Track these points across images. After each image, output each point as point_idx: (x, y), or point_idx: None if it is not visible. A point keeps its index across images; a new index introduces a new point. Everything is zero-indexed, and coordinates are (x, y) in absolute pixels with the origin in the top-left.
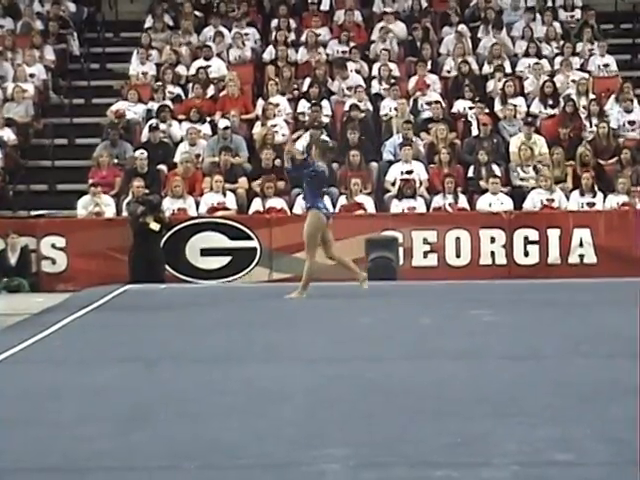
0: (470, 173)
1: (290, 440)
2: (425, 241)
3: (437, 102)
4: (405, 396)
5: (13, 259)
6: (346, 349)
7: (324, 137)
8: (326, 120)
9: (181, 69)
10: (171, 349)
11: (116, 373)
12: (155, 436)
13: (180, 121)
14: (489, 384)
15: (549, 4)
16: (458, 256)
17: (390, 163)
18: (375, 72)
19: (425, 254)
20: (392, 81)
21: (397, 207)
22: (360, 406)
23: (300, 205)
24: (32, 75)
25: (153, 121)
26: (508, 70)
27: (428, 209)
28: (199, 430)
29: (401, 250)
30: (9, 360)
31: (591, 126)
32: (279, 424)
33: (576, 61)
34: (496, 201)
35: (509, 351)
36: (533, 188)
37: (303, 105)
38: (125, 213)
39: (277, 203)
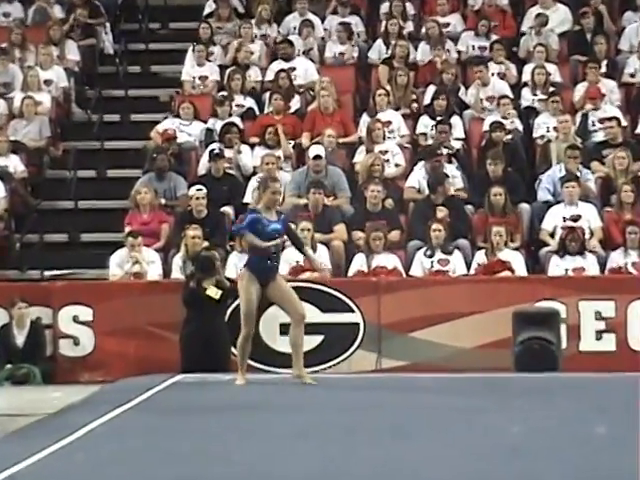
0: None
1: None
2: (598, 316)
3: (615, 119)
4: None
5: (20, 338)
6: (487, 470)
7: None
8: (457, 144)
9: (254, 73)
10: (237, 467)
11: None
12: None
13: (252, 146)
14: None
15: None
16: None
17: (548, 205)
18: (527, 77)
19: (598, 334)
20: (551, 90)
21: (558, 267)
22: None
23: (421, 263)
24: (48, 82)
25: (215, 146)
26: None
27: (603, 270)
28: None
29: (564, 328)
30: None
31: None
32: None
33: None
34: None
35: None
36: None
37: (425, 123)
38: (177, 274)
39: (388, 261)
